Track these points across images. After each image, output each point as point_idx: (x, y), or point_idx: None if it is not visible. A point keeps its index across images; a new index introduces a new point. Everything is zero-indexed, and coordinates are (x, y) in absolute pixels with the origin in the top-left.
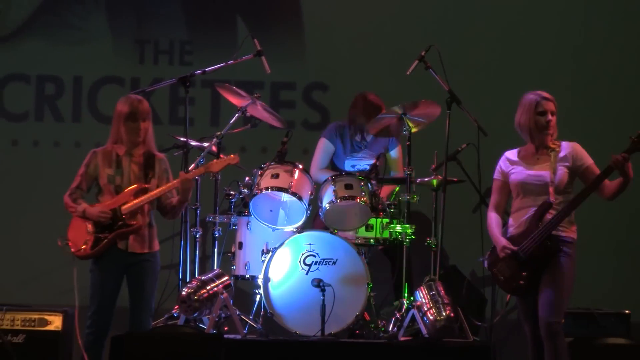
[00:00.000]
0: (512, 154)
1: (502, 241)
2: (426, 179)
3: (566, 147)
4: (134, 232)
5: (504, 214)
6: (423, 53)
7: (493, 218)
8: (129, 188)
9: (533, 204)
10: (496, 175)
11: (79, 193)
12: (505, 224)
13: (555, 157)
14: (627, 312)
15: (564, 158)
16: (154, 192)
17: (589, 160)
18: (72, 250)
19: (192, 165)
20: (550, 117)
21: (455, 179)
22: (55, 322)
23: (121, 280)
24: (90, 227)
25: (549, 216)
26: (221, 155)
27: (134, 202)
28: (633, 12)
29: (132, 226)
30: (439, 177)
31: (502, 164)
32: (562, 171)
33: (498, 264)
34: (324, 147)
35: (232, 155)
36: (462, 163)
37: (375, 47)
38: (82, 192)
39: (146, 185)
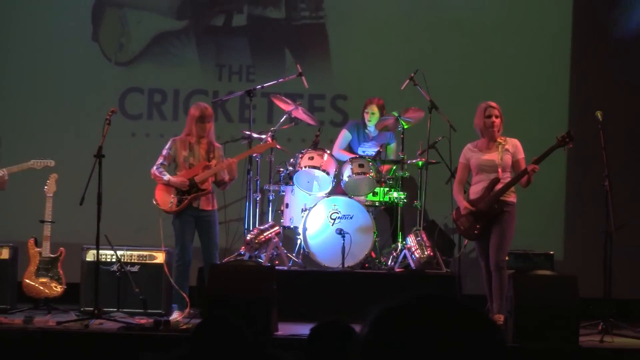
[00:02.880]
0: (472, 145)
1: (464, 203)
2: (414, 161)
3: (510, 141)
4: (206, 194)
5: (465, 185)
6: (412, 74)
7: (457, 188)
8: (198, 164)
9: (486, 178)
10: (461, 159)
11: (162, 168)
12: (465, 192)
13: (502, 148)
14: (551, 252)
15: (507, 149)
16: (215, 168)
17: (521, 155)
18: (162, 207)
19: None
20: (494, 119)
21: (434, 161)
22: (159, 258)
23: (195, 229)
24: (173, 191)
25: (497, 187)
26: (268, 141)
27: (203, 174)
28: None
29: (204, 191)
30: (423, 159)
31: (465, 152)
32: (507, 157)
33: (461, 218)
34: (343, 135)
35: (272, 141)
36: (438, 150)
37: (381, 69)
38: (165, 167)
39: (209, 164)
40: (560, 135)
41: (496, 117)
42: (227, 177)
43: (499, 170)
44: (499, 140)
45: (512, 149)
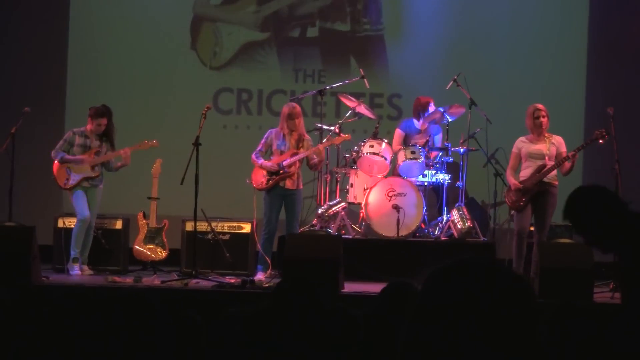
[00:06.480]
0: (523, 138)
1: (514, 181)
2: (457, 148)
3: (555, 137)
4: (289, 176)
5: (514, 170)
6: (455, 77)
7: (510, 172)
8: (288, 152)
9: (533, 165)
10: (514, 149)
11: (260, 154)
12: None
13: (549, 141)
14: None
15: (553, 143)
16: (300, 155)
17: (564, 148)
18: (254, 185)
19: (325, 140)
20: (542, 119)
21: (473, 148)
22: (246, 228)
23: (281, 204)
24: (265, 173)
25: (543, 171)
26: (341, 134)
27: (290, 159)
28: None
29: (288, 173)
30: (464, 147)
31: (517, 143)
32: (553, 149)
33: (509, 193)
34: (398, 134)
35: (347, 135)
36: (477, 139)
37: (429, 71)
38: (262, 153)
39: (297, 151)
40: (598, 130)
41: (543, 117)
42: (316, 160)
43: (546, 158)
44: (546, 135)
45: (557, 143)
